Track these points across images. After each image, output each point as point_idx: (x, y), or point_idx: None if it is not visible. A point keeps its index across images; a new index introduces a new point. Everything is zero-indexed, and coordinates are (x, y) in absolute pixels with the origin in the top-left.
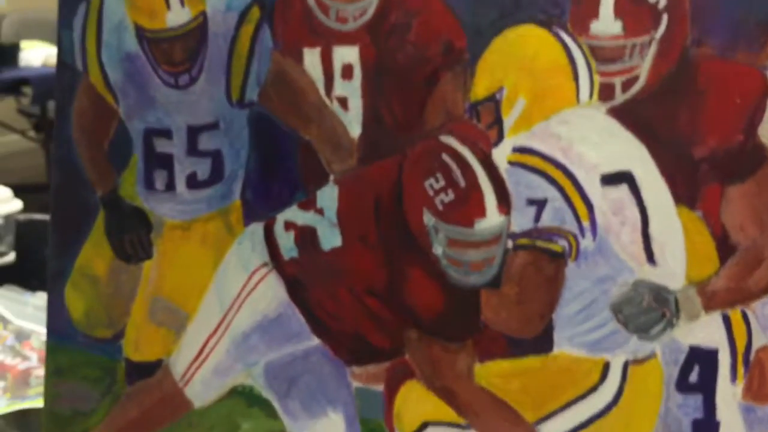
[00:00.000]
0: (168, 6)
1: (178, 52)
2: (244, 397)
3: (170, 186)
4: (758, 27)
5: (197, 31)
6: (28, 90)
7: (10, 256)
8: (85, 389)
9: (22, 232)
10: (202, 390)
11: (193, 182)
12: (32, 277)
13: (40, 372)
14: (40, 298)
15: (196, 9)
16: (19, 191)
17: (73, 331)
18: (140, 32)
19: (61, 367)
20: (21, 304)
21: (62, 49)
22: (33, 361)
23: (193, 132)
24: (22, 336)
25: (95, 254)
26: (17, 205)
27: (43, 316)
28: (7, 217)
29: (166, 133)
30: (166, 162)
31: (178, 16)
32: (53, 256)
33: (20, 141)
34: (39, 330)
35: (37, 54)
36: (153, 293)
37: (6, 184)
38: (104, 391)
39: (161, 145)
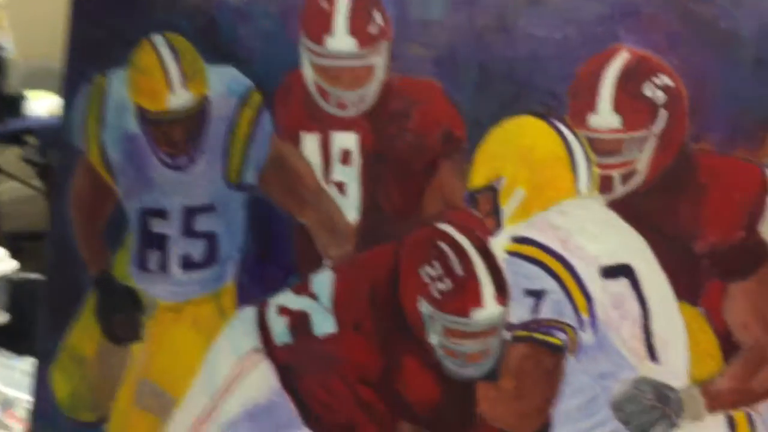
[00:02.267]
0: (170, 89)
1: (178, 134)
2: None
3: (164, 267)
4: (756, 124)
5: (198, 114)
6: (32, 139)
7: (3, 317)
8: None
9: (17, 292)
10: None
11: (187, 263)
12: (25, 338)
13: None
14: (28, 363)
15: (198, 92)
16: (21, 238)
17: (56, 414)
18: (141, 113)
19: None
20: (8, 368)
21: (65, 127)
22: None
23: (190, 213)
24: (6, 404)
25: (84, 335)
26: (12, 264)
27: (29, 382)
28: (1, 278)
29: (163, 214)
30: (160, 242)
31: (180, 99)
32: (42, 336)
33: (22, 188)
34: (24, 397)
35: (44, 104)
36: (140, 376)
37: (9, 231)
38: None
39: (157, 226)
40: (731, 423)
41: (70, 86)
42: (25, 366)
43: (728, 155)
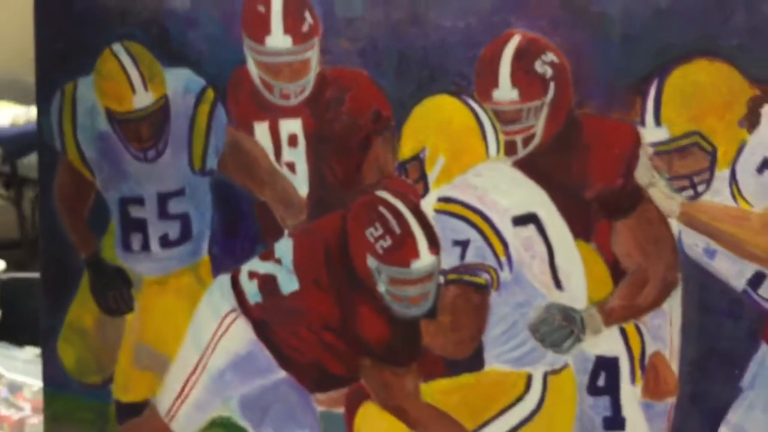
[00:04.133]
0: (133, 91)
1: (144, 130)
2: (223, 427)
3: (145, 246)
4: (627, 90)
5: (160, 112)
6: None
7: None
8: (80, 431)
9: (6, 291)
10: (186, 423)
11: (165, 242)
12: (19, 333)
13: (34, 420)
14: (28, 353)
15: (158, 92)
16: None
17: (67, 379)
18: (110, 115)
19: (57, 413)
20: (11, 359)
21: (42, 132)
22: (26, 411)
23: (163, 198)
24: (14, 388)
25: (83, 310)
26: (0, 265)
27: (32, 368)
28: None
29: (139, 201)
30: (140, 226)
31: (142, 99)
32: (44, 314)
33: None
34: (30, 382)
35: (5, 114)
36: (136, 341)
37: None
38: None
39: (135, 211)
40: (623, 333)
41: (42, 95)
42: (25, 355)
43: (606, 117)
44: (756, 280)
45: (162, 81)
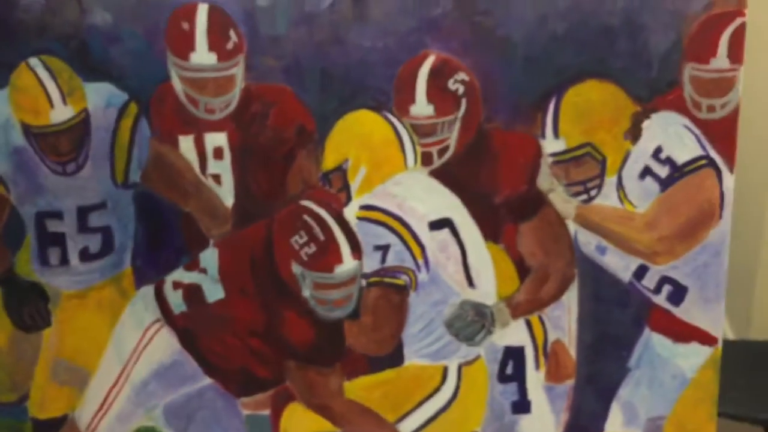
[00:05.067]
0: (51, 105)
1: (64, 144)
2: None
3: (64, 261)
4: (529, 106)
5: (80, 125)
6: None
7: None
8: None
9: None
10: None
11: (85, 255)
12: None
13: None
14: None
15: (78, 106)
16: None
17: None
18: (26, 128)
19: None
20: None
21: None
22: None
23: (83, 212)
24: None
25: None
26: None
27: None
28: None
29: (58, 215)
30: (58, 240)
31: (61, 113)
32: None
33: None
34: None
35: None
36: (54, 356)
37: None
38: None
39: (53, 226)
40: (528, 324)
41: None
42: None
43: (511, 130)
44: (640, 273)
45: (82, 95)
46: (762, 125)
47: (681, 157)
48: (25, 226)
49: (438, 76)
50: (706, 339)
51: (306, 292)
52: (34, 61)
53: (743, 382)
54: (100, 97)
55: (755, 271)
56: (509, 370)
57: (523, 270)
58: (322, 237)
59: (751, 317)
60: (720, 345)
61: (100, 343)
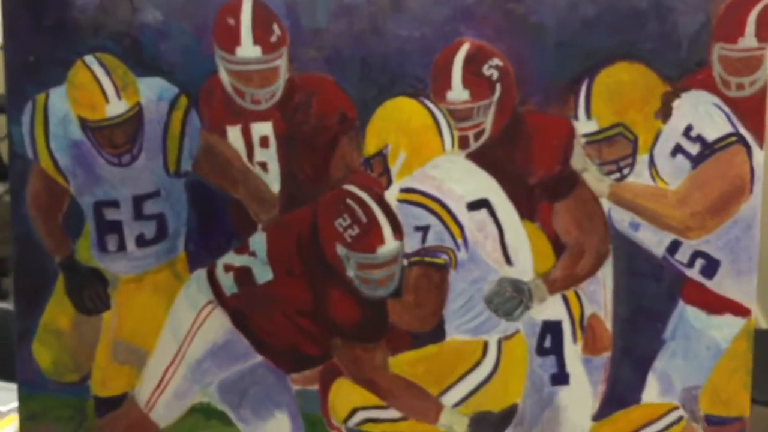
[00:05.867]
0: (107, 100)
1: (119, 137)
2: (202, 412)
3: (121, 247)
4: (562, 89)
5: (134, 119)
6: None
7: None
8: (58, 428)
9: None
10: (165, 412)
11: (141, 241)
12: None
13: None
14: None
15: (132, 100)
16: None
17: (42, 380)
18: (83, 123)
19: (34, 412)
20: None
21: (13, 141)
22: None
23: (138, 200)
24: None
25: (58, 312)
26: None
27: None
28: None
29: (114, 204)
30: (115, 227)
31: (116, 108)
32: (18, 318)
33: None
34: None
35: None
36: (114, 338)
37: None
38: (76, 427)
39: (110, 214)
40: (565, 299)
41: (13, 105)
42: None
43: (545, 113)
44: (673, 248)
45: (135, 90)
46: None
47: (711, 135)
48: (84, 215)
49: (473, 62)
50: (740, 310)
51: (350, 273)
52: (89, 59)
53: None
54: (152, 91)
55: None
56: (547, 343)
57: (558, 247)
58: (364, 219)
59: None
60: (753, 316)
61: (157, 324)
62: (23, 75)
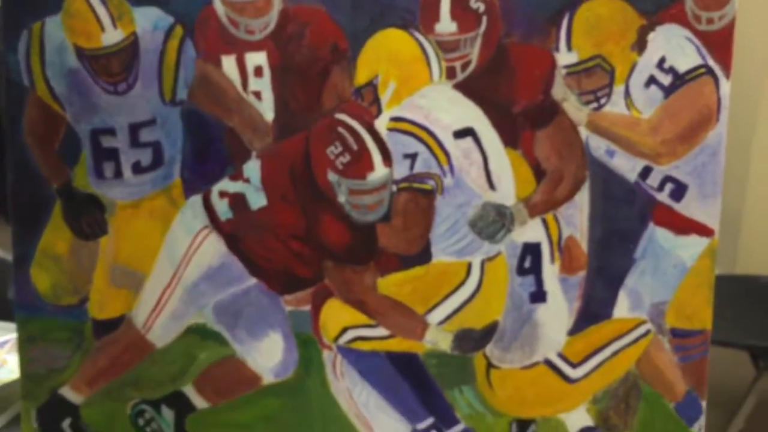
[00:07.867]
0: (102, 28)
1: (115, 65)
2: (198, 333)
3: (118, 173)
4: (545, 21)
5: (130, 48)
6: None
7: None
8: (57, 350)
9: None
10: (162, 333)
11: (137, 169)
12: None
13: None
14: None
15: (127, 29)
16: None
17: (41, 303)
18: (80, 51)
19: (32, 334)
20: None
21: (9, 69)
22: None
23: (134, 128)
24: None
25: (56, 237)
26: None
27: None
28: None
29: (111, 131)
30: (112, 154)
31: (112, 36)
32: (15, 243)
33: None
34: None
35: None
36: (112, 262)
37: None
38: (74, 349)
39: (107, 141)
40: (544, 222)
41: (9, 34)
42: None
43: (528, 44)
44: (645, 173)
45: (131, 19)
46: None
47: (682, 67)
48: (80, 142)
49: None
50: (704, 231)
51: (342, 198)
52: None
53: (730, 313)
54: (147, 20)
55: (741, 212)
56: (527, 264)
57: (539, 173)
58: (355, 147)
59: (737, 254)
60: (716, 237)
61: (153, 248)
62: (19, 4)
